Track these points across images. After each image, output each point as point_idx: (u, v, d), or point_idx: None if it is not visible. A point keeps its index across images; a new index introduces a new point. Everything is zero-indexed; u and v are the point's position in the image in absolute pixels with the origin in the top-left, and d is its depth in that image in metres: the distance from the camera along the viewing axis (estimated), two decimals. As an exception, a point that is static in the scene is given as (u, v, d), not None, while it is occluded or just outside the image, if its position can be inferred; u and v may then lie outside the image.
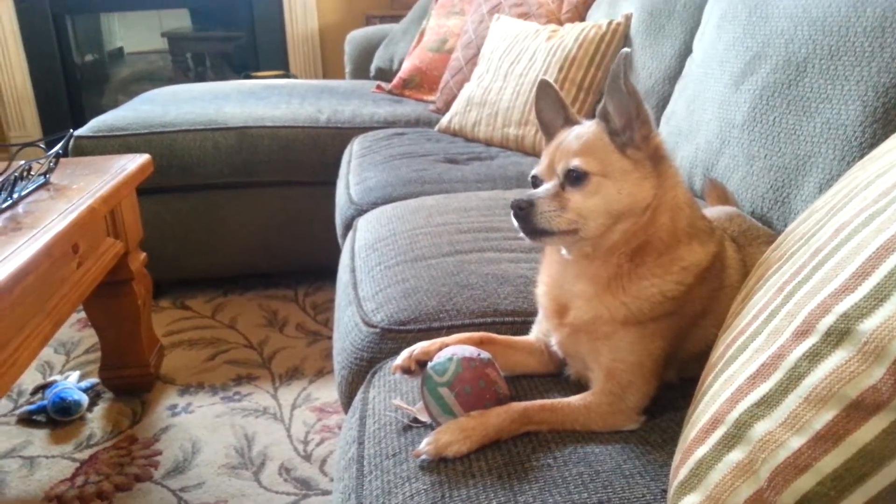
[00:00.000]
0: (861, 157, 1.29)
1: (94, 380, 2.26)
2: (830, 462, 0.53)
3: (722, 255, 1.02)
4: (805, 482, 0.54)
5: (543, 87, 1.07)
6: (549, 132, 1.07)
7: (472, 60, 2.91)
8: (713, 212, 1.31)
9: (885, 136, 1.26)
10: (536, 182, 1.01)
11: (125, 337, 2.21)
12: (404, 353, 1.03)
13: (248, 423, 2.09)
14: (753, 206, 1.54)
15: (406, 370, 1.01)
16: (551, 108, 1.07)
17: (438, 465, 0.88)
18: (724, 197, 1.58)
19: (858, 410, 0.53)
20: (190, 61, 6.06)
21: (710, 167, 1.72)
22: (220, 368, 2.39)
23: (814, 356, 0.56)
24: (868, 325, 0.53)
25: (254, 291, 2.95)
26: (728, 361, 0.67)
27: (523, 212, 0.95)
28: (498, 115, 2.56)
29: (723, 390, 0.64)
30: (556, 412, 0.95)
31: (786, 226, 1.46)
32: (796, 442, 0.56)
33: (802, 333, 0.58)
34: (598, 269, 0.99)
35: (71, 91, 5.19)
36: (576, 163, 0.95)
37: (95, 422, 2.12)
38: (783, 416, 0.57)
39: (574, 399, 0.97)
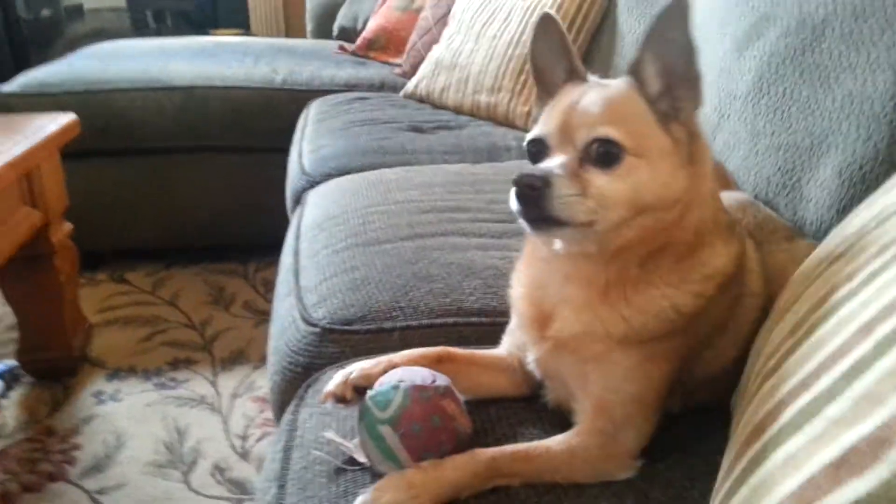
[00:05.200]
0: (891, 136, 1.10)
1: (12, 362, 2.04)
2: None
3: (743, 255, 0.81)
4: None
5: (545, 23, 0.82)
6: (545, 83, 0.83)
7: (442, 20, 2.70)
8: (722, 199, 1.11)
9: (921, 113, 1.07)
10: (540, 149, 0.77)
11: (46, 316, 1.98)
12: (338, 377, 0.80)
13: (181, 413, 1.88)
14: (756, 190, 1.35)
15: (340, 399, 0.79)
16: (551, 51, 0.82)
17: (377, 531, 0.67)
18: (722, 178, 1.36)
19: None
20: (150, 18, 5.80)
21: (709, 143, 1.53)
22: (155, 350, 2.17)
23: (948, 453, 0.36)
24: None
25: (200, 265, 2.72)
26: (787, 428, 0.46)
27: (535, 192, 0.70)
28: (469, 80, 2.34)
29: (783, 475, 0.44)
30: (533, 460, 0.74)
31: (795, 214, 1.27)
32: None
33: (924, 411, 0.38)
34: (596, 271, 0.77)
35: (15, 48, 4.83)
36: (609, 133, 0.72)
37: (9, 410, 1.89)
38: (893, 540, 0.37)
39: (554, 443, 0.76)
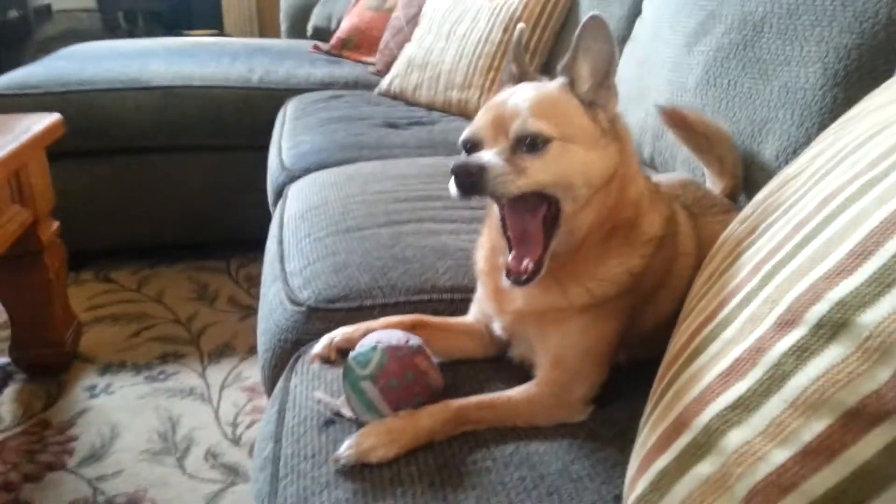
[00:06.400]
0: (821, 122, 1.22)
1: (4, 359, 2.10)
2: (822, 481, 0.44)
3: (674, 218, 0.93)
4: (791, 504, 0.45)
5: (520, 35, 0.95)
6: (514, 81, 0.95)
7: (413, 20, 2.78)
8: (665, 178, 1.22)
9: (847, 100, 1.18)
10: (472, 147, 0.86)
11: (37, 313, 2.04)
12: (323, 340, 0.90)
13: (172, 404, 1.96)
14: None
15: (325, 360, 0.89)
16: (518, 56, 0.95)
17: (362, 470, 0.77)
18: (690, 121, 1.40)
19: (858, 420, 0.43)
20: (121, 19, 5.78)
21: (660, 133, 1.64)
22: (144, 346, 2.24)
23: (802, 352, 0.47)
24: (871, 316, 0.43)
25: (183, 263, 2.78)
26: (694, 352, 0.57)
27: (472, 178, 0.79)
28: (440, 77, 2.43)
29: (688, 388, 0.54)
30: (497, 408, 0.84)
31: (741, 194, 1.38)
32: (780, 455, 0.46)
33: (787, 324, 0.48)
34: (564, 256, 0.87)
35: (-16, 49, 4.85)
36: (535, 125, 0.81)
37: (5, 405, 1.95)
38: (764, 423, 0.47)
39: (515, 392, 0.86)
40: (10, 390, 2.02)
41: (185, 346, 2.24)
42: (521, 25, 0.97)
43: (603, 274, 0.86)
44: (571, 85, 0.87)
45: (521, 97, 0.85)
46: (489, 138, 0.84)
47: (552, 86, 0.88)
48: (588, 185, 0.83)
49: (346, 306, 1.18)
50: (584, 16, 2.20)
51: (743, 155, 1.35)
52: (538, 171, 0.81)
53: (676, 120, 1.39)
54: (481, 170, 0.79)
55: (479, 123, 0.86)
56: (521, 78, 0.93)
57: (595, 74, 0.86)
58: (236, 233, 2.79)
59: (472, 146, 0.86)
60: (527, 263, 0.82)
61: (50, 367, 2.08)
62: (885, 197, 0.47)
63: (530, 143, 0.81)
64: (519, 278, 0.82)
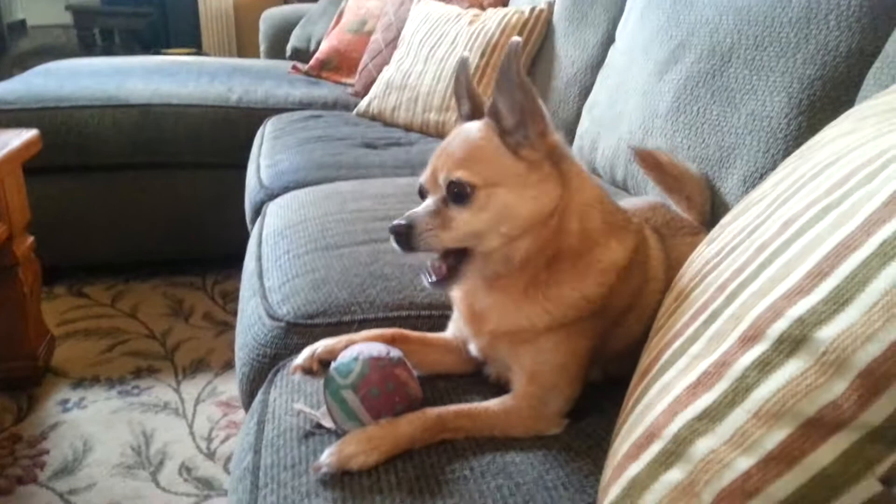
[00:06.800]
0: (786, 148, 1.27)
1: (-24, 373, 2.06)
2: (783, 486, 0.47)
3: (643, 246, 0.96)
4: (754, 508, 0.48)
5: (461, 66, 0.96)
6: (461, 114, 0.98)
7: (392, 43, 2.82)
8: (635, 202, 1.26)
9: (811, 128, 1.24)
10: (423, 192, 0.91)
11: (10, 327, 2.03)
12: (306, 352, 0.93)
13: (146, 418, 1.95)
14: (677, 197, 1.50)
15: (307, 370, 0.91)
16: (462, 89, 0.96)
17: (342, 478, 0.79)
18: (662, 164, 1.44)
19: (816, 429, 0.47)
20: (97, 37, 5.77)
21: (632, 158, 1.68)
22: (118, 360, 2.23)
23: (764, 366, 0.50)
24: (827, 332, 0.47)
25: (158, 278, 2.78)
26: (663, 367, 0.60)
27: (402, 237, 0.86)
28: (418, 99, 2.47)
29: (658, 400, 0.58)
30: (474, 418, 0.87)
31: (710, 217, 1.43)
32: (744, 463, 0.49)
33: (750, 339, 0.52)
34: (512, 281, 0.90)
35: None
36: (458, 176, 0.85)
37: (-26, 419, 1.93)
38: (729, 432, 0.50)
39: (493, 403, 0.89)
40: (-20, 404, 2.00)
41: (160, 360, 2.24)
42: (463, 54, 0.97)
43: (558, 298, 0.89)
44: (497, 122, 0.88)
45: (452, 144, 0.90)
46: (431, 186, 0.90)
47: (474, 129, 0.89)
48: (520, 227, 0.86)
49: (324, 322, 1.20)
50: (560, 41, 2.28)
51: (711, 179, 1.40)
52: (464, 223, 0.85)
53: (649, 162, 1.44)
54: (409, 228, 0.86)
55: (427, 171, 0.91)
56: (473, 114, 0.95)
57: (518, 110, 0.86)
58: (212, 249, 2.80)
59: (422, 193, 0.92)
60: (442, 267, 0.88)
61: (22, 380, 2.07)
62: (839, 222, 0.50)
63: (457, 194, 0.85)
64: (435, 280, 0.89)
